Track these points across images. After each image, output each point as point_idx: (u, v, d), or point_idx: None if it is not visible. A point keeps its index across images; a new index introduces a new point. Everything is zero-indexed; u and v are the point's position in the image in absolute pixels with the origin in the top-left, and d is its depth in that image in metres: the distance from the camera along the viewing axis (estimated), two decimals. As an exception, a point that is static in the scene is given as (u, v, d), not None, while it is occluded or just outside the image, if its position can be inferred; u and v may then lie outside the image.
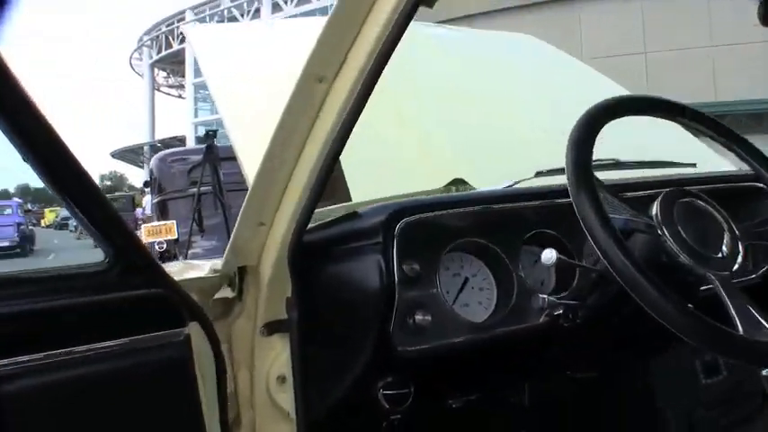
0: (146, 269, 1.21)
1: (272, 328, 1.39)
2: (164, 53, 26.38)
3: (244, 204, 1.31)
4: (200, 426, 1.23)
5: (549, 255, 1.19)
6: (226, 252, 1.36)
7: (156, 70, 28.70)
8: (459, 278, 1.48)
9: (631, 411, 1.77)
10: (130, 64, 29.93)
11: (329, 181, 1.37)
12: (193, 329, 1.22)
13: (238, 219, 1.33)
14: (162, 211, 7.95)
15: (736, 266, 1.13)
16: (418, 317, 1.34)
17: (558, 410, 1.89)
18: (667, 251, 1.11)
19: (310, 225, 1.40)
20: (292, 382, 1.35)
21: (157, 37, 26.67)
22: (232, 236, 1.34)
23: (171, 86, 30.79)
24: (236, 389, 1.41)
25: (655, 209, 1.16)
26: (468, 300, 1.46)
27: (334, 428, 1.41)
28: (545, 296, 1.30)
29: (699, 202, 1.20)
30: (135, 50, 28.84)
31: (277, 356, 1.39)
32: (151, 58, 27.66)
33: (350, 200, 1.46)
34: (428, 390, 1.40)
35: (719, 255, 1.14)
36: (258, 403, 1.41)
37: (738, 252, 1.16)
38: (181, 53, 23.95)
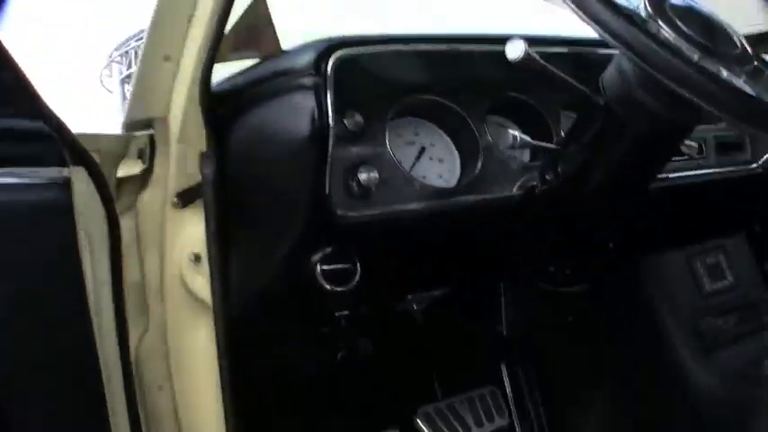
0: (20, 96, 0.96)
1: (186, 197, 1.13)
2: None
3: (145, 38, 1.08)
4: (82, 305, 0.98)
5: (517, 46, 0.94)
6: (128, 101, 1.12)
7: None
8: (414, 147, 1.24)
9: (628, 325, 1.54)
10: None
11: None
12: (77, 175, 0.97)
13: (140, 56, 1.09)
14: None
15: (756, 63, 0.92)
16: (362, 175, 1.10)
17: (542, 329, 1.67)
18: (665, 42, 0.89)
19: (229, 74, 1.17)
20: (208, 261, 1.11)
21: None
22: (134, 78, 1.10)
23: (142, 104, 30.38)
24: (143, 277, 1.17)
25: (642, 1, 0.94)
26: (425, 172, 1.21)
27: (260, 319, 1.16)
28: (516, 133, 1.07)
29: (696, 4, 0.99)
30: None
31: (192, 233, 1.14)
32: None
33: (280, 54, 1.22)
34: (380, 273, 1.17)
35: (734, 50, 0.92)
36: (169, 294, 1.15)
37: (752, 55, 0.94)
38: (151, 68, 23.62)
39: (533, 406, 1.65)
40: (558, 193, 1.16)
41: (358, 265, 1.10)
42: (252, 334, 1.17)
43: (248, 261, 1.10)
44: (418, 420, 1.49)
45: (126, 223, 1.16)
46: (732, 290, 1.56)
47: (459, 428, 1.50)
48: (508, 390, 1.65)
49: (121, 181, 1.18)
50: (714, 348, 1.47)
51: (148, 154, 1.15)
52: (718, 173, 1.46)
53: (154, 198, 1.14)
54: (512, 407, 1.60)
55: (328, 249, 1.09)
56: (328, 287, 1.09)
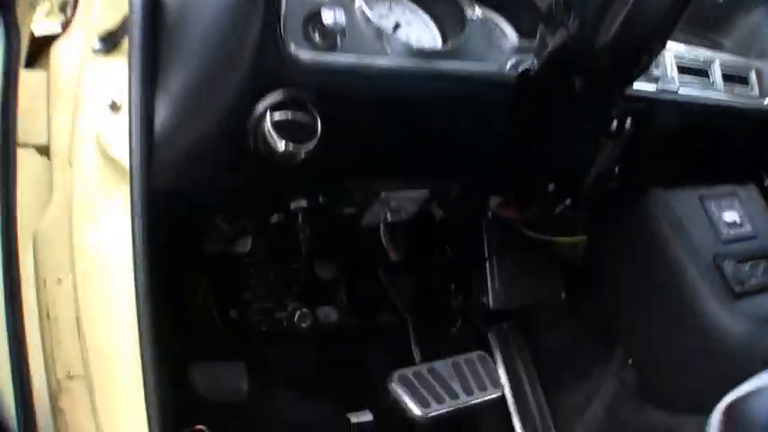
0: None
1: (111, 40, 0.89)
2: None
3: None
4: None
5: None
6: None
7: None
8: (387, 21, 1.01)
9: (641, 272, 1.26)
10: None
11: None
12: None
13: None
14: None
15: None
16: (327, 15, 0.85)
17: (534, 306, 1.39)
18: None
19: None
20: (128, 107, 0.84)
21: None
22: None
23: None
24: (50, 141, 0.90)
25: None
26: (402, 47, 1.00)
27: (191, 191, 0.88)
28: None
29: None
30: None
31: (113, 84, 0.88)
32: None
33: None
34: (345, 142, 0.90)
35: None
36: (79, 156, 0.86)
37: None
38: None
39: (528, 377, 1.34)
40: (568, 51, 0.93)
41: (318, 120, 0.85)
42: (179, 213, 0.89)
43: (179, 109, 0.81)
44: (393, 385, 1.16)
45: (35, 76, 0.91)
46: (751, 239, 1.31)
47: (445, 394, 1.18)
48: (499, 360, 1.35)
49: (38, 40, 0.94)
50: (741, 296, 1.20)
51: (72, 3, 0.92)
52: (726, 100, 1.27)
53: (72, 45, 0.88)
54: (503, 375, 1.29)
55: (279, 94, 0.84)
56: (281, 146, 0.83)
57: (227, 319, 1.21)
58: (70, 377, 0.84)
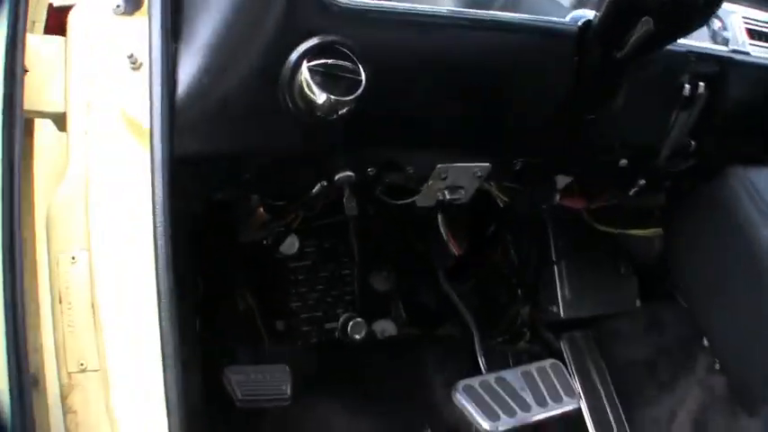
0: None
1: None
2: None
3: None
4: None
5: None
6: None
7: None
8: None
9: (726, 259, 1.05)
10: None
11: None
12: None
13: None
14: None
15: None
16: None
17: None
18: None
19: None
20: (149, 63, 0.70)
21: None
22: None
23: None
24: (66, 102, 0.77)
25: None
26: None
27: (216, 158, 0.73)
28: None
29: None
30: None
31: (134, 40, 0.76)
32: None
33: None
34: (391, 101, 0.74)
35: None
36: (97, 122, 0.72)
37: None
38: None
39: (604, 390, 1.12)
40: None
41: (361, 69, 0.71)
42: (207, 185, 0.75)
43: (204, 63, 0.68)
44: (458, 396, 0.97)
45: (51, 42, 0.79)
46: None
47: (515, 406, 0.98)
48: (573, 370, 1.13)
49: (57, 10, 0.84)
50: None
51: None
52: None
53: (92, 10, 0.77)
54: (577, 385, 1.08)
55: (315, 40, 0.70)
56: (321, 98, 0.68)
57: (273, 330, 1.05)
58: (83, 370, 0.68)
